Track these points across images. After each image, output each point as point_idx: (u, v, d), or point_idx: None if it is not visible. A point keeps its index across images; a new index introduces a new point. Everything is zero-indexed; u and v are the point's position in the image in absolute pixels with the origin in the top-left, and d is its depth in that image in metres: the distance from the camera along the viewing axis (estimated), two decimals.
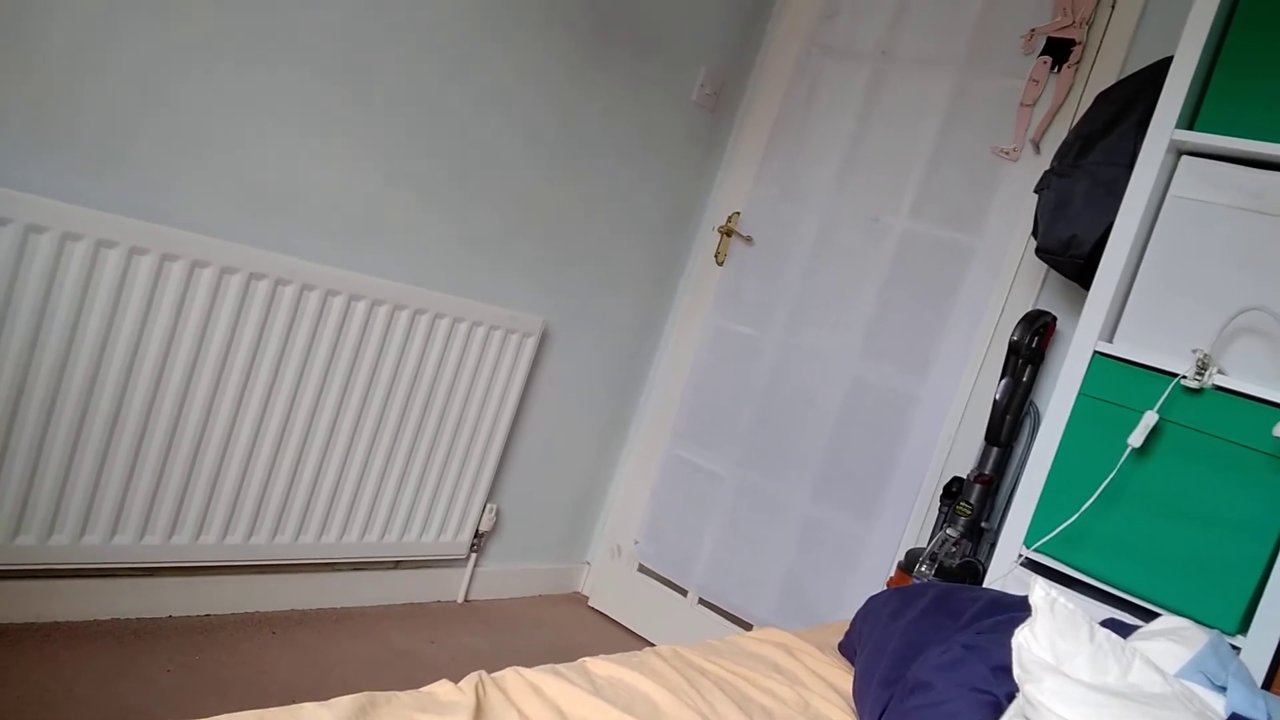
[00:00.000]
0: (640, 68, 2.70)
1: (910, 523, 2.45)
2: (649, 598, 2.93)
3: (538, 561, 2.94)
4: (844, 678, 1.41)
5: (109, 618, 2.06)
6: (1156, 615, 1.58)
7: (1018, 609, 1.34)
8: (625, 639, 2.86)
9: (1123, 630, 1.27)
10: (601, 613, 2.99)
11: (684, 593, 2.87)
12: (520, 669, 1.15)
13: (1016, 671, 1.05)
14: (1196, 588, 1.58)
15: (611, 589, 3.01)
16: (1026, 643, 1.07)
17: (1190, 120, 1.79)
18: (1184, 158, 1.78)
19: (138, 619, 2.09)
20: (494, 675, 1.13)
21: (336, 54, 2.10)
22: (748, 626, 2.73)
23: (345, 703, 0.96)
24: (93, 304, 1.83)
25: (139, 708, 1.79)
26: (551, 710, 1.08)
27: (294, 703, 1.93)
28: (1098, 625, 1.12)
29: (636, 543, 2.98)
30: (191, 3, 1.88)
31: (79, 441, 1.88)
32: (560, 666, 1.19)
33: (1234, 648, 1.46)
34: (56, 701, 1.74)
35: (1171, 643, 1.15)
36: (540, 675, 1.15)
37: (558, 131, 2.57)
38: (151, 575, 2.10)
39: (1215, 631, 1.23)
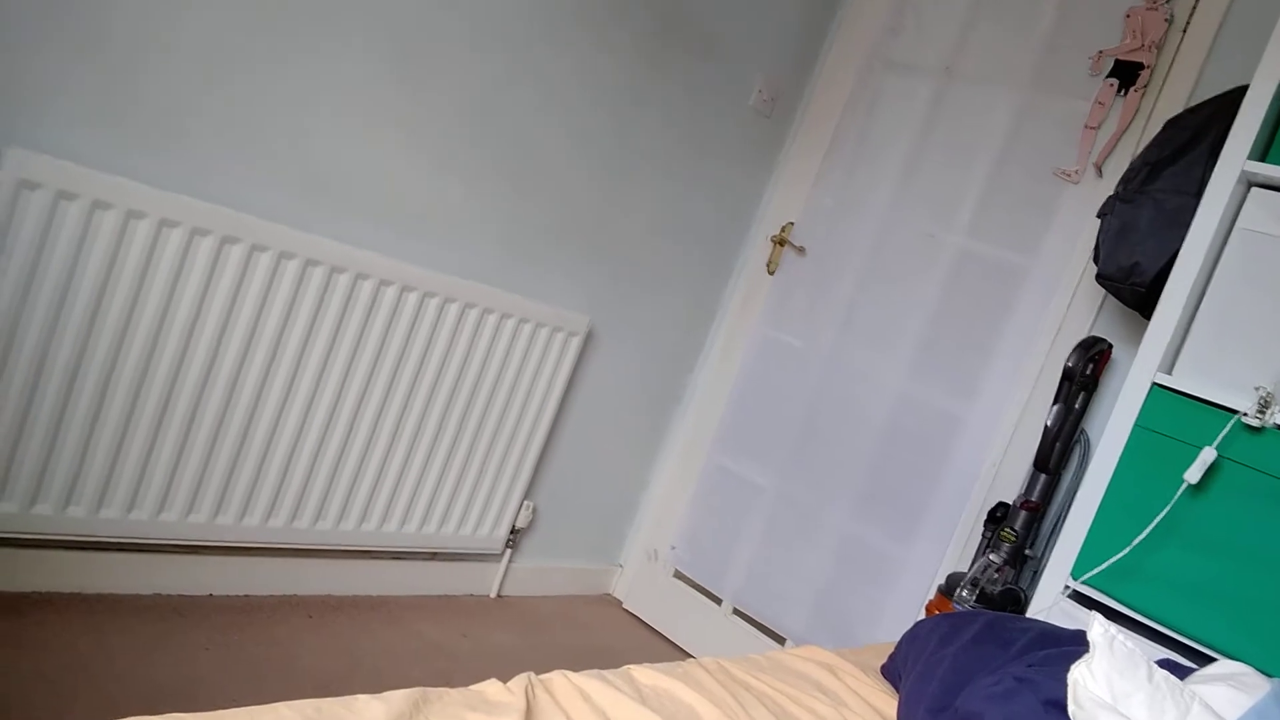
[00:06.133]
0: (697, 70, 2.70)
1: (951, 545, 2.43)
2: (682, 604, 2.92)
3: (571, 561, 2.94)
4: (888, 701, 1.40)
5: (151, 593, 2.08)
6: (1205, 657, 1.56)
7: (1069, 643, 1.32)
8: (656, 644, 2.85)
9: (1178, 671, 1.25)
10: (634, 615, 2.99)
11: (718, 601, 2.86)
12: (568, 673, 1.15)
13: (1072, 708, 1.04)
14: (1250, 631, 1.54)
15: (646, 593, 3.00)
16: (1083, 680, 1.05)
17: (1263, 152, 1.76)
18: (1254, 189, 1.75)
19: (179, 595, 2.12)
20: (542, 677, 1.13)
21: (397, 47, 2.11)
22: (780, 639, 2.71)
23: (398, 697, 0.96)
24: (152, 282, 1.85)
25: (176, 684, 1.81)
26: (599, 717, 1.08)
27: (328, 688, 1.95)
28: (1156, 666, 1.10)
29: (673, 548, 2.98)
30: None
31: (131, 419, 1.90)
32: (607, 673, 1.19)
33: None
34: (98, 672, 1.76)
35: (1231, 689, 1.13)
36: (587, 680, 1.15)
37: (611, 131, 2.57)
38: (195, 553, 2.12)
39: (1278, 680, 1.21)
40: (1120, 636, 1.09)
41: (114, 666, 1.79)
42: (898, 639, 1.55)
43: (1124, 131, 2.36)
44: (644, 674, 1.23)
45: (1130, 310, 2.19)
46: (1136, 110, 2.34)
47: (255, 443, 2.08)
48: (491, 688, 1.06)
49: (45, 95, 1.72)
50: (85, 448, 1.86)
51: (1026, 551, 2.15)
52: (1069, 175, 2.43)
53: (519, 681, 1.08)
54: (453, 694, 1.01)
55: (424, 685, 1.03)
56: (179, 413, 1.96)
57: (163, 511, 2.00)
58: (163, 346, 1.90)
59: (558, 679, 1.13)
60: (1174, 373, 1.76)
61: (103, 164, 1.79)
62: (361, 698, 0.95)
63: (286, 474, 2.15)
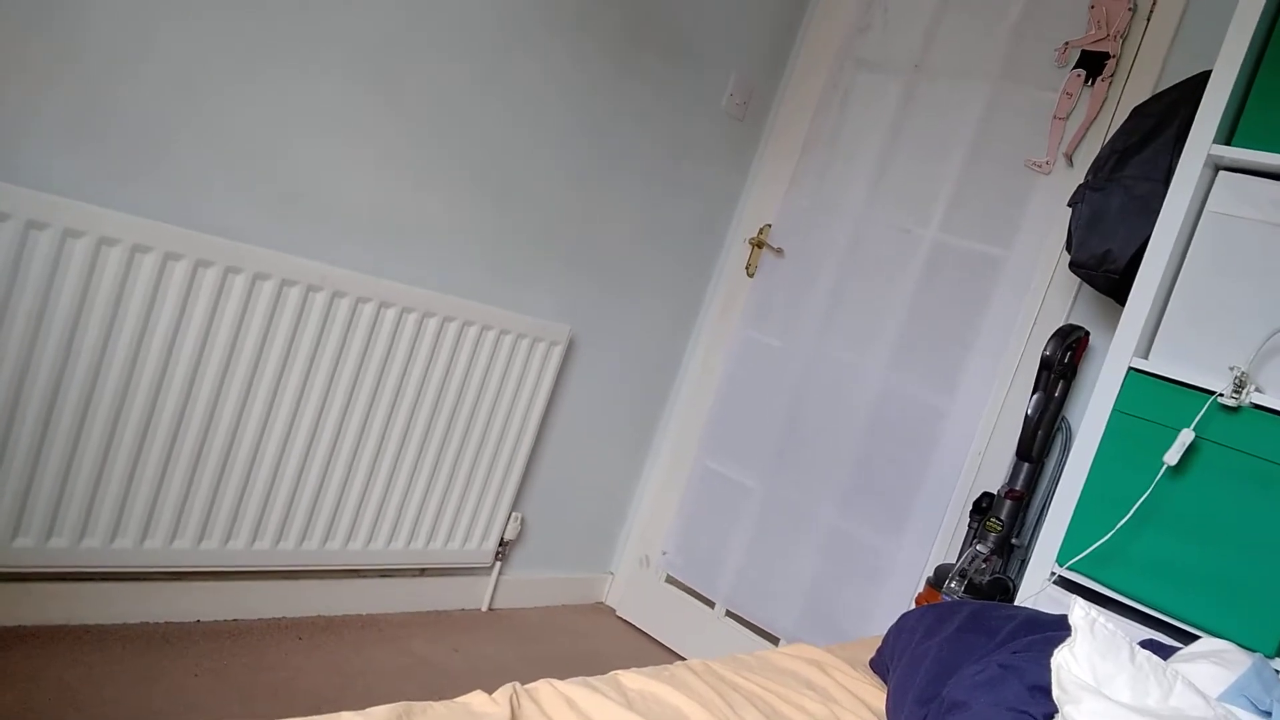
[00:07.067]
0: (669, 76, 2.71)
1: (939, 538, 2.43)
2: (676, 608, 2.92)
3: (562, 571, 2.94)
4: (877, 695, 1.40)
5: (138, 621, 2.07)
6: (1192, 636, 1.57)
7: (1054, 628, 1.33)
8: (650, 649, 2.85)
9: (1162, 651, 1.25)
10: (628, 622, 2.98)
11: (711, 604, 2.86)
12: (554, 681, 1.15)
13: (1056, 692, 1.04)
14: (1234, 609, 1.55)
15: (638, 599, 3.00)
16: (1066, 663, 1.05)
17: (1228, 135, 1.77)
18: (1221, 173, 1.76)
19: (166, 623, 2.10)
20: (527, 687, 1.13)
21: (369, 64, 2.11)
22: (774, 640, 2.71)
23: (381, 712, 0.96)
24: (127, 309, 1.85)
25: (167, 712, 1.80)
26: None
27: (320, 710, 1.94)
28: (1138, 646, 1.11)
29: (664, 553, 2.97)
30: (227, 10, 1.90)
31: (111, 446, 1.89)
32: (593, 679, 1.19)
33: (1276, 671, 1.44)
34: (87, 704, 1.75)
35: (1214, 665, 1.14)
36: (573, 687, 1.15)
37: (586, 140, 2.57)
38: (181, 580, 2.11)
39: (1259, 655, 1.21)
40: (1101, 619, 1.10)
41: (102, 696, 1.78)
42: None
43: (1092, 121, 2.37)
44: (631, 679, 1.22)
45: (1105, 297, 2.21)
46: (1104, 99, 2.36)
47: (238, 465, 2.07)
48: (476, 699, 1.06)
49: (16, 124, 1.72)
50: (65, 478, 1.85)
51: (1013, 540, 2.16)
52: (1040, 166, 2.45)
53: (504, 692, 1.08)
54: (436, 707, 1.01)
55: (413, 701, 1.03)
56: (159, 438, 1.95)
57: (146, 539, 1.99)
58: (140, 373, 1.89)
59: (543, 687, 1.13)
60: (1150, 357, 1.77)
61: (77, 191, 1.78)
62: (345, 715, 0.95)
63: (270, 496, 2.15)
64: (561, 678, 1.19)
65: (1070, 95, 2.41)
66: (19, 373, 1.75)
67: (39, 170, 1.75)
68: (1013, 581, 2.09)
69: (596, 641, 2.79)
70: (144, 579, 2.06)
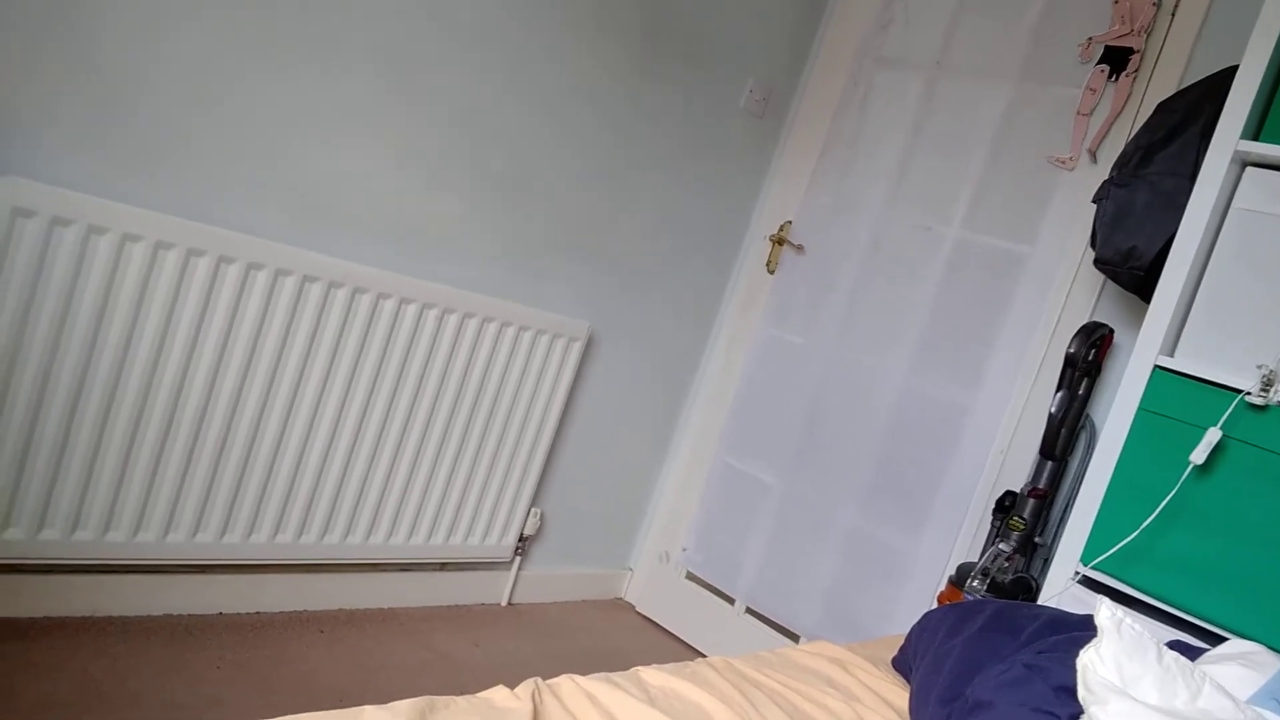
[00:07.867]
0: (689, 74, 2.70)
1: (961, 537, 2.42)
2: (695, 605, 2.92)
3: (581, 566, 2.94)
4: (899, 694, 1.39)
5: (161, 613, 2.08)
6: (1219, 638, 1.55)
7: (1078, 628, 1.31)
8: (669, 645, 2.85)
9: (1189, 653, 1.24)
10: (647, 618, 2.98)
11: (731, 601, 2.86)
12: (575, 676, 1.15)
13: (1082, 693, 1.03)
14: (1262, 610, 1.53)
15: (658, 595, 3.00)
16: (1092, 664, 1.05)
17: (1255, 131, 1.75)
18: (1248, 169, 1.74)
19: (189, 615, 2.12)
20: (549, 682, 1.13)
21: (388, 62, 2.12)
22: (794, 637, 2.71)
23: (404, 707, 0.96)
24: (151, 304, 1.86)
25: (190, 703, 1.82)
26: (607, 719, 1.07)
27: (341, 702, 1.95)
28: (1165, 647, 1.09)
29: (684, 549, 2.97)
30: (246, 9, 1.90)
31: (135, 440, 1.91)
32: (614, 675, 1.19)
33: None
34: (111, 694, 1.76)
35: (1242, 667, 1.12)
36: (595, 683, 1.15)
37: (605, 137, 2.57)
38: (203, 572, 2.13)
39: None
40: (1128, 620, 1.09)
41: (127, 688, 1.80)
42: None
43: (1116, 116, 2.35)
44: (652, 675, 1.22)
45: (1130, 294, 2.19)
46: (1128, 95, 2.34)
47: (260, 460, 2.09)
48: (498, 694, 1.06)
49: (37, 122, 1.73)
50: (90, 471, 1.87)
51: (1036, 539, 2.15)
52: (1063, 162, 2.43)
53: (526, 687, 1.08)
54: (459, 702, 1.01)
55: (435, 696, 1.03)
56: (183, 432, 1.96)
57: (170, 532, 2.00)
58: (164, 367, 1.91)
59: (565, 683, 1.13)
60: (1176, 355, 1.75)
61: (98, 189, 1.80)
62: (368, 709, 0.95)
63: (292, 490, 2.16)
64: (582, 673, 1.19)
65: (1094, 91, 2.39)
66: (44, 367, 1.77)
67: (63, 167, 1.76)
68: (1035, 580, 2.08)
69: (616, 637, 2.79)
70: (167, 571, 2.07)
